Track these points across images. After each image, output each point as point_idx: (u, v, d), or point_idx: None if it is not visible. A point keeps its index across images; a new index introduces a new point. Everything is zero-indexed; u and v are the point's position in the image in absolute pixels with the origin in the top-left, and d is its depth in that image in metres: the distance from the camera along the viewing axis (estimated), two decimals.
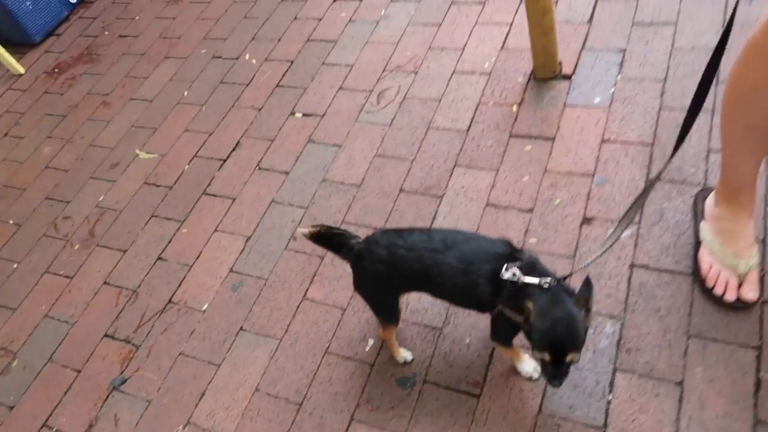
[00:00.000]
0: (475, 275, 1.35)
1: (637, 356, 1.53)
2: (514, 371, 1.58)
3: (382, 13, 2.85)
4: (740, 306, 1.51)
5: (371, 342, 1.76)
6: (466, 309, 1.53)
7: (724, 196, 1.59)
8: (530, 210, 1.92)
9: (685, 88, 2.07)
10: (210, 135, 2.61)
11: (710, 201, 1.66)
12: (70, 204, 2.56)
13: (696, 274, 1.61)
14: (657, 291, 1.62)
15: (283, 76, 2.74)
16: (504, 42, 2.49)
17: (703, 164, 1.85)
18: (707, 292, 1.56)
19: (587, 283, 1.25)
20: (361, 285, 1.54)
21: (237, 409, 1.73)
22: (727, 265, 1.54)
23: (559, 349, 1.19)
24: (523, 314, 1.22)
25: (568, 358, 1.20)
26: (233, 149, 2.51)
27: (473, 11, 2.68)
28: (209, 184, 2.40)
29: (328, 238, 1.53)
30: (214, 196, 2.35)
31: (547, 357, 1.21)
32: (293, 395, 1.72)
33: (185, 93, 2.87)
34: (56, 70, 3.36)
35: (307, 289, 1.95)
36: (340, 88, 2.58)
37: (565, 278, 1.31)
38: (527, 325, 1.23)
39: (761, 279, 1.55)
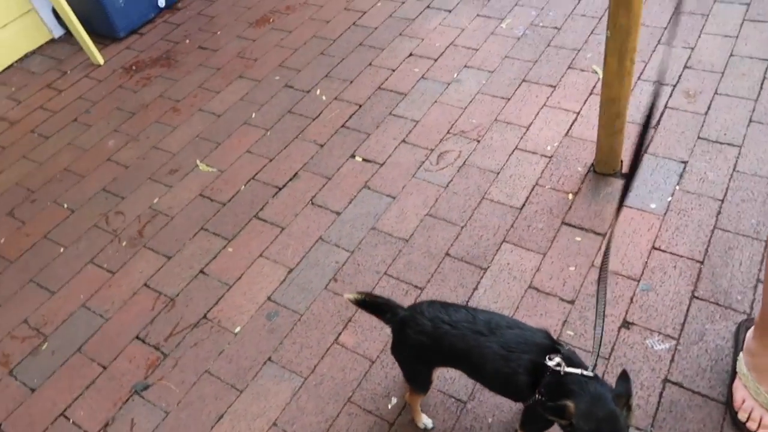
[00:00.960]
0: (515, 363, 1.37)
1: None
2: None
3: (455, 76, 2.94)
4: None
5: (394, 400, 1.78)
6: (500, 395, 1.55)
7: (761, 331, 1.60)
8: (571, 301, 1.94)
9: (741, 213, 2.09)
10: (270, 161, 2.69)
11: (750, 334, 1.67)
12: (125, 200, 2.64)
13: (729, 405, 1.61)
14: (687, 412, 1.63)
15: (350, 117, 2.83)
16: (569, 129, 2.55)
17: (751, 293, 1.86)
18: (739, 425, 1.56)
19: (625, 378, 1.27)
20: (399, 351, 1.56)
21: None
22: (761, 402, 1.54)
23: None
24: (563, 416, 1.23)
25: None
26: (290, 179, 2.58)
27: (543, 93, 2.75)
28: (262, 209, 2.47)
29: (372, 305, 1.58)
30: (265, 221, 2.41)
31: None
32: None
33: (253, 115, 2.97)
34: (133, 67, 3.50)
35: (340, 333, 1.98)
36: (403, 141, 2.66)
37: (593, 370, 1.33)
38: (569, 425, 1.25)
39: None
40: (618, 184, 2.29)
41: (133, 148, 2.92)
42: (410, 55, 3.15)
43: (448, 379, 1.80)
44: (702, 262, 1.98)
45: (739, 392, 1.59)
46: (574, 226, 2.18)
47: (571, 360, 1.36)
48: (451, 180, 2.44)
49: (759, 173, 2.20)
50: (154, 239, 2.43)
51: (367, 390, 1.82)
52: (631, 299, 1.91)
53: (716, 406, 1.63)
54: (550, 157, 2.45)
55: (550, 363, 1.33)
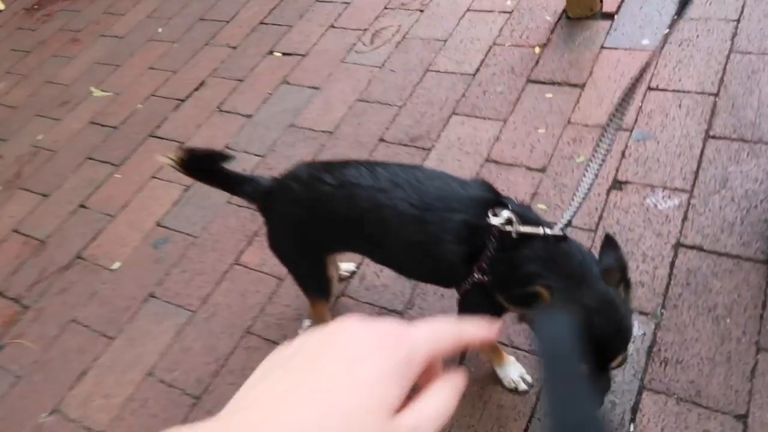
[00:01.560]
0: (437, 226, 0.88)
1: (676, 372, 1.03)
2: (494, 378, 1.10)
3: None
4: None
5: (307, 323, 1.31)
6: (423, 281, 1.06)
7: None
8: (542, 169, 1.44)
9: (766, 29, 1.55)
10: (174, 73, 2.21)
11: None
12: (7, 142, 2.19)
13: None
14: (713, 282, 1.12)
15: (270, 12, 2.32)
16: None
17: None
18: None
19: (611, 245, 0.79)
20: (273, 238, 1.08)
21: (118, 397, 1.30)
22: None
23: (602, 354, 0.74)
24: (528, 307, 0.75)
25: (614, 362, 0.74)
26: (195, 89, 2.10)
27: None
28: (159, 126, 1.99)
29: (200, 170, 1.05)
30: (161, 138, 1.94)
31: (582, 368, 0.75)
32: (192, 385, 1.27)
33: (160, 30, 2.48)
34: (35, 6, 3.02)
35: (242, 252, 1.51)
36: (331, 26, 2.15)
37: (563, 229, 0.83)
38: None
39: None
40: (598, 26, 1.76)
41: (24, 87, 2.46)
42: None
43: (378, 286, 1.31)
44: (717, 95, 1.45)
45: None
46: (543, 83, 1.66)
47: (527, 217, 0.87)
48: (388, 58, 1.93)
49: None
50: (32, 179, 1.98)
51: (272, 315, 1.35)
52: (623, 153, 1.40)
53: (754, 266, 1.12)
54: (511, 12, 1.92)
55: (495, 221, 0.84)
